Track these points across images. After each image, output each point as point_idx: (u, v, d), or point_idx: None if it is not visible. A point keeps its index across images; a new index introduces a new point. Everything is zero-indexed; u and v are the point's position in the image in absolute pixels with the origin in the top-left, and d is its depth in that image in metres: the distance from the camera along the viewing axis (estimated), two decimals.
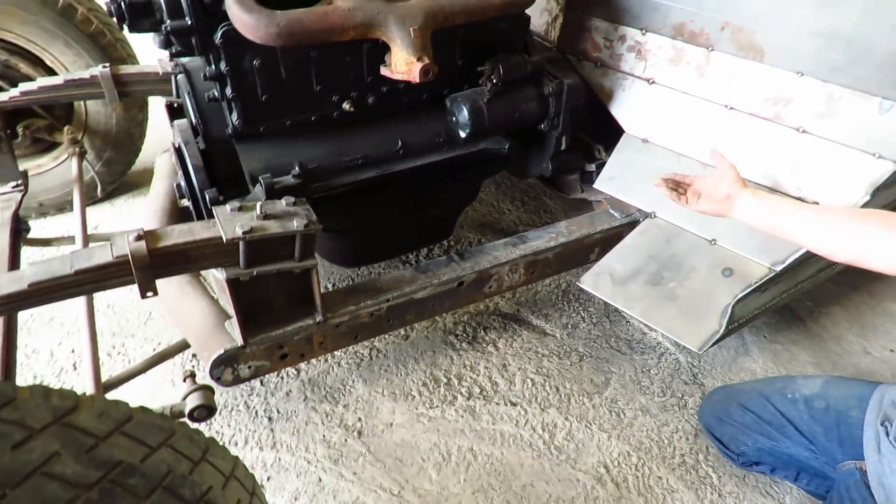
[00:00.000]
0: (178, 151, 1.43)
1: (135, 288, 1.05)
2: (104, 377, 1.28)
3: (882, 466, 1.04)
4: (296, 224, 1.13)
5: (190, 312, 1.35)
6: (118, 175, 2.28)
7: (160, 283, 1.10)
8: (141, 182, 2.40)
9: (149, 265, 1.03)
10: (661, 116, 1.61)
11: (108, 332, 1.76)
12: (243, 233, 1.07)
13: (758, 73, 1.43)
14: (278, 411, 1.55)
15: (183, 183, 1.43)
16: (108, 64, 1.72)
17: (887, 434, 1.06)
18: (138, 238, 1.03)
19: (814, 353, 1.75)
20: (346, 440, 1.48)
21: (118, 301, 1.85)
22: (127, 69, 1.74)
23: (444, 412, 1.55)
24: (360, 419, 1.53)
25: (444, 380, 1.63)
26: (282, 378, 1.63)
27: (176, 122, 1.46)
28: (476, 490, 1.38)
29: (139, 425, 0.66)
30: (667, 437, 1.51)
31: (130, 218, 2.25)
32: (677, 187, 1.37)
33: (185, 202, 1.48)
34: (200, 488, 0.68)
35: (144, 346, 1.73)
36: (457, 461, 1.44)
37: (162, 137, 2.54)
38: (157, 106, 2.31)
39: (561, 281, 1.96)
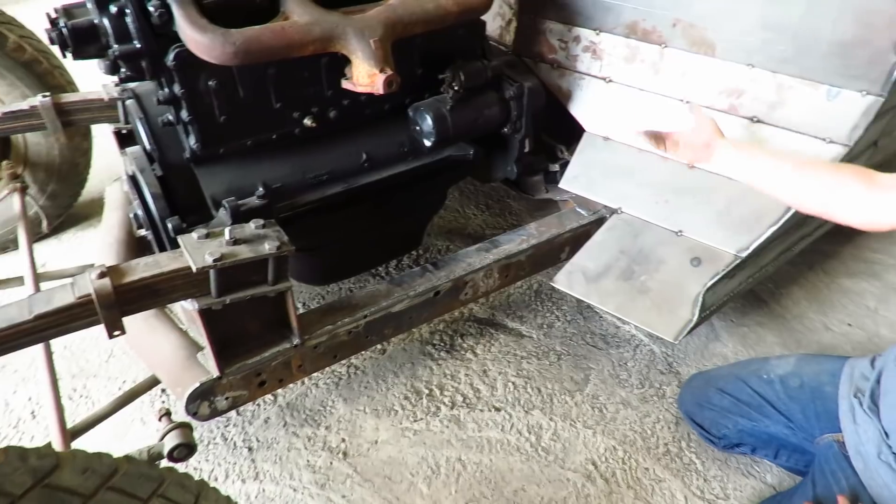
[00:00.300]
0: (133, 179, 1.36)
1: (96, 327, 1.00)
2: (68, 423, 1.21)
3: (858, 436, 1.08)
4: (268, 247, 1.10)
5: (158, 347, 1.29)
6: (64, 208, 2.17)
7: (124, 319, 1.04)
8: (89, 213, 2.30)
9: (115, 303, 0.98)
10: (620, 114, 1.64)
11: (66, 374, 1.67)
12: (214, 261, 1.03)
13: (710, 67, 1.48)
14: (258, 440, 1.50)
15: (140, 212, 1.36)
16: (48, 93, 1.63)
17: (861, 404, 1.11)
18: (101, 275, 0.98)
19: (779, 334, 1.81)
20: (331, 463, 1.44)
21: (74, 340, 1.76)
22: (69, 97, 1.66)
23: (429, 424, 1.53)
24: (343, 440, 1.50)
25: (426, 391, 1.62)
26: (258, 405, 1.58)
27: (128, 149, 1.39)
28: (468, 500, 1.37)
29: (127, 477, 0.63)
30: (649, 428, 1.54)
31: (81, 252, 2.14)
32: (657, 139, 1.34)
33: (143, 232, 1.41)
34: None
35: (108, 385, 1.65)
36: (446, 473, 1.43)
37: (109, 165, 2.45)
38: (100, 132, 2.22)
39: (533, 282, 1.97)
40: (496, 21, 1.86)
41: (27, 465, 0.56)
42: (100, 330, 1.00)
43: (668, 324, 1.47)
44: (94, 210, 2.31)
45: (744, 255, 1.45)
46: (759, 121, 1.44)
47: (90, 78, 2.08)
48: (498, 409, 1.57)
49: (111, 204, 1.73)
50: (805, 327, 1.84)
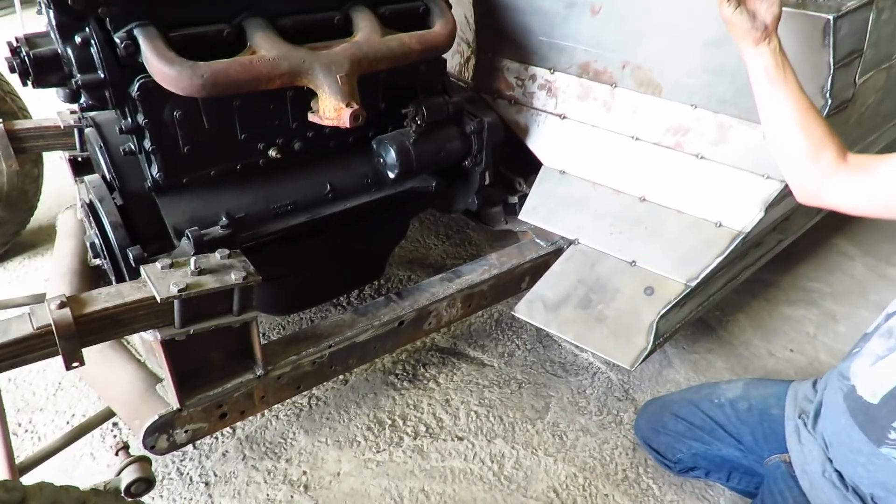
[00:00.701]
0: (91, 207, 1.34)
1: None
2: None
3: (804, 455, 1.14)
4: (234, 277, 1.10)
5: (115, 379, 1.26)
6: (11, 236, 2.10)
7: (85, 352, 1.02)
8: (36, 241, 2.22)
9: (75, 334, 0.96)
10: (575, 149, 1.71)
11: (11, 408, 1.59)
12: (179, 291, 1.03)
13: (657, 106, 1.57)
14: (215, 474, 1.46)
15: (97, 241, 1.34)
16: (0, 120, 1.59)
17: (805, 425, 1.17)
18: (61, 305, 0.95)
19: (727, 360, 1.90)
20: (291, 496, 1.42)
21: (20, 373, 1.69)
22: (23, 124, 1.63)
23: (392, 455, 1.53)
24: (304, 472, 1.48)
25: (389, 421, 1.61)
26: (216, 438, 1.54)
27: (87, 177, 1.37)
28: None
29: None
30: (608, 455, 1.57)
31: (27, 281, 2.06)
32: None
33: (99, 261, 1.39)
34: None
35: (56, 420, 1.58)
36: (409, 503, 1.42)
37: (57, 192, 2.39)
38: (50, 160, 2.17)
39: (493, 311, 2.00)
40: (456, 58, 1.93)
41: None
42: (46, 362, 0.98)
43: (625, 351, 1.53)
44: (41, 238, 2.23)
45: (693, 283, 1.52)
46: (703, 157, 1.53)
47: (42, 104, 2.05)
48: (461, 439, 1.58)
49: (64, 232, 1.69)
50: (751, 353, 1.93)
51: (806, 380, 1.30)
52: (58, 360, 0.98)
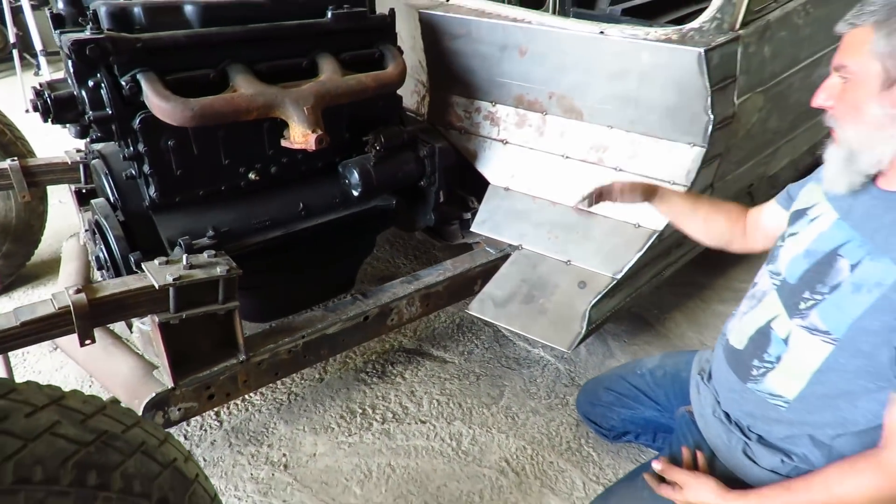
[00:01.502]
0: (97, 226, 1.57)
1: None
2: None
3: (700, 402, 1.36)
4: (219, 270, 1.33)
5: (117, 368, 1.46)
6: (17, 267, 2.31)
7: (87, 347, 1.23)
8: (40, 273, 2.43)
9: (88, 314, 1.18)
10: (516, 168, 1.98)
11: None
12: (174, 279, 1.25)
13: (581, 129, 1.85)
14: (205, 460, 1.64)
15: (102, 255, 1.57)
16: (15, 157, 1.84)
17: (702, 379, 1.40)
18: (78, 291, 1.18)
19: (663, 350, 2.12)
20: (273, 474, 1.60)
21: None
22: (35, 161, 1.87)
23: (362, 437, 1.72)
24: (284, 455, 1.66)
25: (360, 410, 1.81)
26: (205, 431, 1.73)
27: (94, 200, 1.60)
28: (397, 496, 1.56)
29: (115, 410, 0.83)
30: (554, 430, 1.78)
31: None
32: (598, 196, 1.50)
33: (103, 274, 1.61)
34: (168, 457, 0.84)
35: None
36: (377, 476, 1.61)
37: (56, 232, 2.62)
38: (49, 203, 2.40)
39: (455, 317, 2.23)
40: (413, 97, 2.22)
41: (42, 391, 0.76)
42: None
43: (563, 337, 1.76)
44: (44, 270, 2.44)
45: (619, 276, 1.77)
46: (620, 169, 1.80)
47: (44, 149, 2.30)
48: (424, 422, 1.78)
49: (68, 256, 1.91)
50: (685, 344, 2.16)
51: (711, 349, 1.53)
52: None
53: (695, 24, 1.61)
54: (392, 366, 2.00)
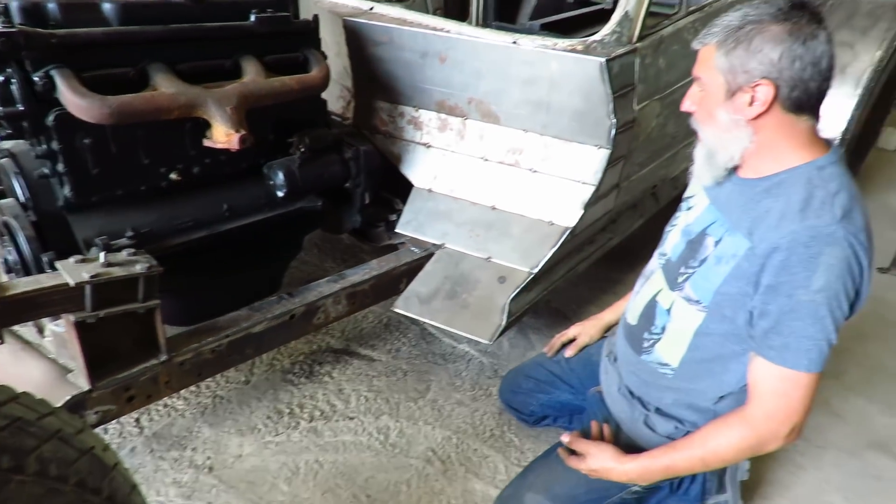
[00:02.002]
0: (6, 227, 1.52)
1: None
2: None
3: (608, 381, 1.48)
4: (139, 268, 1.32)
5: (27, 373, 1.41)
6: None
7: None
8: None
9: None
10: (439, 170, 2.07)
11: None
12: (90, 277, 1.24)
13: (498, 132, 1.96)
14: None
15: (11, 258, 1.51)
16: None
17: (610, 361, 1.52)
18: None
19: None
20: (197, 477, 1.59)
21: None
22: None
23: (290, 436, 1.74)
24: (209, 457, 1.65)
25: (287, 410, 1.82)
26: (124, 438, 1.69)
27: (2, 201, 1.55)
28: (325, 491, 1.58)
29: (28, 399, 0.83)
30: (478, 420, 1.86)
31: None
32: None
33: (12, 277, 1.55)
34: (85, 445, 0.85)
35: None
36: (305, 472, 1.63)
37: None
38: None
39: (382, 316, 2.28)
40: (339, 102, 2.26)
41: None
42: None
43: (485, 329, 1.84)
44: None
45: (535, 270, 1.88)
46: (535, 171, 1.92)
47: None
48: (351, 418, 1.82)
49: None
50: None
51: None
52: None
53: (597, 36, 1.75)
54: (320, 365, 2.02)
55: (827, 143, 1.12)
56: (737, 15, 1.08)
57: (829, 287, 1.01)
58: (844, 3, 3.20)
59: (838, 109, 2.95)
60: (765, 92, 1.05)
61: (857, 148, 3.30)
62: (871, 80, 2.91)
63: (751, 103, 1.06)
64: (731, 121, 1.09)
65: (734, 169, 1.18)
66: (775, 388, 1.08)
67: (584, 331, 1.68)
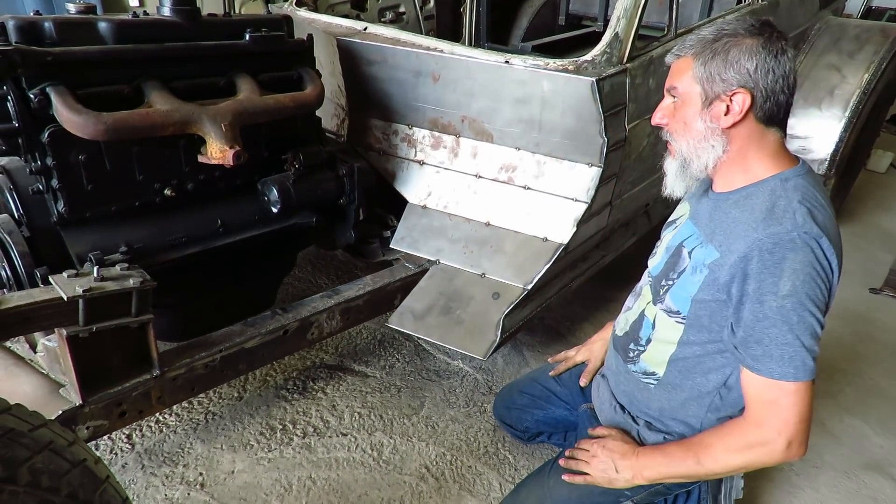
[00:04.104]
0: (0, 242, 1.52)
1: None
2: None
3: (600, 397, 1.48)
4: (132, 282, 1.32)
5: (19, 388, 1.40)
6: None
7: None
8: None
9: None
10: (433, 187, 2.08)
11: None
12: (83, 291, 1.24)
13: (491, 150, 1.98)
14: None
15: (4, 273, 1.51)
16: None
17: (603, 378, 1.52)
18: None
19: None
20: (188, 493, 1.57)
21: None
22: None
23: (283, 452, 1.72)
24: (201, 474, 1.64)
25: (280, 426, 1.81)
26: (115, 454, 1.67)
27: None
28: None
29: (20, 411, 0.83)
30: (473, 436, 1.85)
31: None
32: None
33: (5, 292, 1.55)
34: (77, 457, 0.84)
35: None
36: (297, 489, 1.61)
37: None
38: None
39: (377, 333, 2.27)
40: (334, 120, 2.29)
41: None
42: None
43: (479, 345, 1.84)
44: None
45: (529, 287, 1.89)
46: (528, 188, 1.94)
47: None
48: (345, 435, 1.81)
49: None
50: None
51: None
52: None
53: (588, 56, 1.79)
54: (313, 382, 2.01)
55: (795, 158, 1.17)
56: (711, 30, 1.14)
57: (796, 292, 1.03)
58: (831, 27, 3.27)
59: (827, 132, 3.00)
60: (741, 100, 1.09)
61: (846, 170, 3.35)
62: (860, 102, 2.97)
63: (727, 112, 1.11)
64: (707, 129, 1.13)
65: (710, 185, 1.23)
66: (762, 397, 1.09)
67: (592, 355, 1.66)
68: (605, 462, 1.28)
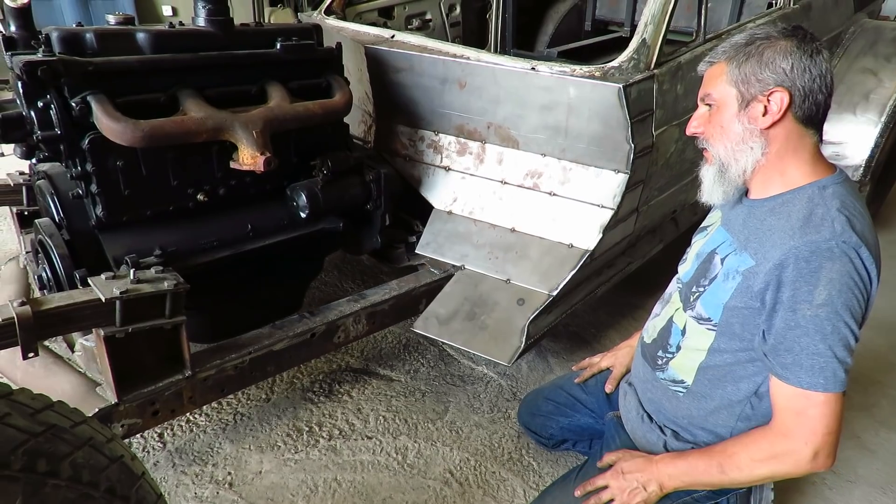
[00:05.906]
0: (41, 244, 1.58)
1: None
2: None
3: (627, 406, 1.47)
4: (166, 285, 1.36)
5: (58, 386, 1.45)
6: None
7: (25, 365, 1.24)
8: None
9: (33, 326, 1.19)
10: (458, 193, 2.10)
11: None
12: (120, 293, 1.28)
13: (517, 156, 1.99)
14: None
15: (45, 274, 1.57)
16: None
17: (629, 384, 1.51)
18: (22, 303, 1.19)
19: None
20: (218, 492, 1.60)
21: None
22: None
23: (309, 454, 1.75)
24: (229, 473, 1.67)
25: (307, 428, 1.84)
26: (148, 452, 1.72)
27: (37, 220, 1.61)
28: None
29: (62, 408, 0.86)
30: (497, 442, 1.85)
31: None
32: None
33: (45, 293, 1.60)
34: (115, 453, 0.87)
35: None
36: (323, 491, 1.63)
37: None
38: None
39: (402, 337, 2.29)
40: (361, 126, 2.32)
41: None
42: None
43: (503, 351, 1.85)
44: None
45: (555, 293, 1.88)
46: (554, 194, 1.94)
47: None
48: (370, 438, 1.82)
49: (7, 279, 1.88)
50: None
51: None
52: None
53: (615, 62, 1.78)
54: (339, 385, 2.03)
55: (831, 165, 1.15)
56: (743, 35, 1.14)
57: (832, 302, 1.01)
58: (867, 30, 3.20)
59: (862, 137, 2.93)
60: (779, 99, 1.08)
61: (882, 176, 3.26)
62: None
63: (765, 113, 1.10)
64: (746, 130, 1.12)
65: (746, 193, 1.21)
66: (790, 407, 1.08)
67: (617, 361, 1.65)
68: (631, 486, 1.25)
